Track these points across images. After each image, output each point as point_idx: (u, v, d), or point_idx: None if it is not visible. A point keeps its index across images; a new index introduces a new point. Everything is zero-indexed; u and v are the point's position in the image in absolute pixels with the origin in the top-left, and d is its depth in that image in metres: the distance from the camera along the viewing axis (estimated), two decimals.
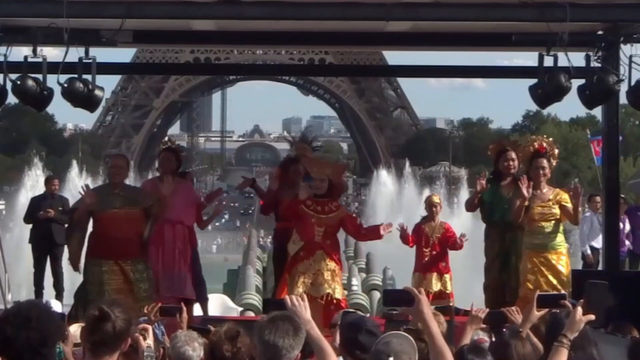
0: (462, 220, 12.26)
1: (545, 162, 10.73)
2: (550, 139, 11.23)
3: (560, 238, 10.73)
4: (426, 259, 12.12)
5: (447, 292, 12.04)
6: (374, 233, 10.96)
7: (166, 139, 12.76)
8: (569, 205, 10.66)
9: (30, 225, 14.86)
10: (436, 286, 12.01)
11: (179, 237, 11.21)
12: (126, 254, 10.36)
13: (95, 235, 10.48)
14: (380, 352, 5.16)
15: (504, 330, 6.25)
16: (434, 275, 12.06)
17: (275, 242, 12.43)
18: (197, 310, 11.79)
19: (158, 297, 10.30)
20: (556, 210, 10.65)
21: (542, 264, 10.59)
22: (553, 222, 10.67)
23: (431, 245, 12.10)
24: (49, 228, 14.46)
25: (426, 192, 52.87)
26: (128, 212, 10.38)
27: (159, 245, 11.06)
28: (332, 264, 10.75)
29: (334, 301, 10.59)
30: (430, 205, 12.36)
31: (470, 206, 11.54)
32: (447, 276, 12.11)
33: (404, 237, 12.12)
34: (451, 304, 11.43)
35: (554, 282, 10.48)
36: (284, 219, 11.35)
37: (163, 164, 11.38)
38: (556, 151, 10.99)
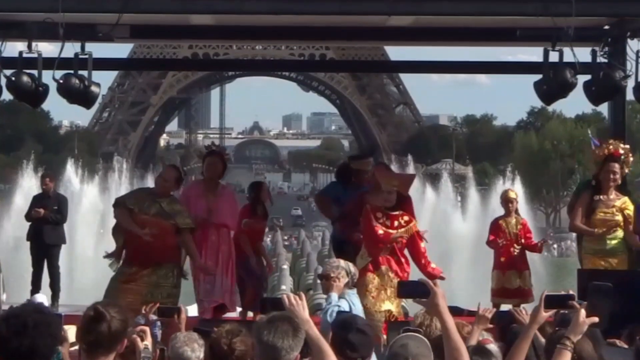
0: (471, 220, 12.05)
1: (617, 167, 10.65)
2: (628, 146, 11.04)
3: (621, 244, 10.69)
4: (505, 256, 11.89)
5: (527, 288, 11.84)
6: (430, 274, 10.44)
7: (210, 142, 12.73)
8: (631, 213, 10.60)
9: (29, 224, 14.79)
10: (515, 283, 11.81)
11: (223, 241, 11.08)
12: (154, 260, 10.37)
13: (128, 236, 10.53)
14: (397, 354, 5.08)
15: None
16: (513, 272, 11.85)
17: (335, 244, 12.07)
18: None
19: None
20: (619, 217, 10.60)
21: (601, 267, 10.55)
22: (615, 228, 10.62)
23: (511, 241, 11.87)
24: (41, 229, 14.34)
25: (429, 190, 52.81)
26: (158, 222, 10.39)
27: (201, 248, 10.94)
28: (396, 281, 10.36)
29: (392, 318, 10.36)
30: (506, 200, 12.10)
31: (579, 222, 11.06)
32: (526, 272, 11.91)
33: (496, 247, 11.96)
34: (531, 301, 11.29)
35: None
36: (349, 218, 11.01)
37: (210, 169, 11.28)
38: (631, 159, 10.88)
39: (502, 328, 7.03)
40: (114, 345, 4.64)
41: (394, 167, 63.84)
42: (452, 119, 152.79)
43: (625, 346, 7.04)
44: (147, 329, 6.03)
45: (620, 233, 10.67)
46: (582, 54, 10.60)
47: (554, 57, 10.50)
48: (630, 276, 11.37)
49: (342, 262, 8.53)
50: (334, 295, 8.14)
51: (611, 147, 10.81)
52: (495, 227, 12.08)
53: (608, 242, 10.63)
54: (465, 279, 12.07)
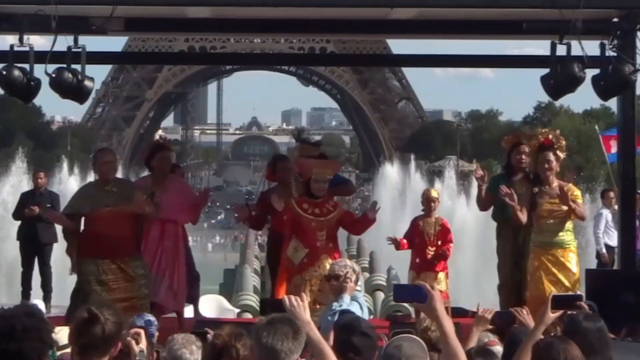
0: (476, 219, 11.90)
1: (551, 156, 10.47)
2: (557, 130, 10.99)
3: (569, 235, 10.48)
4: (420, 257, 11.62)
5: (442, 290, 11.55)
6: (365, 221, 10.66)
7: (157, 137, 12.64)
8: (579, 200, 10.43)
9: (19, 222, 14.65)
10: (430, 285, 11.51)
11: (168, 236, 10.84)
12: (123, 252, 10.09)
13: (88, 235, 10.15)
14: (391, 355, 5.10)
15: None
16: (428, 273, 11.57)
17: (270, 243, 11.98)
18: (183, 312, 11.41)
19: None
20: (565, 207, 10.33)
21: (550, 262, 10.34)
22: (562, 219, 10.37)
23: (426, 243, 11.59)
24: (34, 227, 14.21)
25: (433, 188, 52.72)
26: (123, 209, 10.09)
27: (143, 243, 10.68)
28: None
29: None
30: (427, 200, 11.84)
31: (481, 204, 11.30)
32: (441, 274, 11.62)
33: (397, 246, 11.67)
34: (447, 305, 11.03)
35: (563, 280, 10.26)
36: (280, 226, 10.85)
37: (162, 164, 11.00)
38: (563, 142, 10.73)
39: (503, 329, 6.89)
40: (107, 349, 4.61)
41: (396, 165, 63.83)
42: (456, 114, 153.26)
43: None
44: (142, 331, 5.90)
45: (569, 224, 10.42)
46: (591, 47, 10.50)
47: (561, 50, 10.38)
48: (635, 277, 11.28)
49: (347, 261, 8.48)
50: (347, 297, 8.06)
51: (541, 136, 10.62)
52: (413, 227, 11.81)
53: (557, 234, 10.35)
54: (470, 278, 11.92)
